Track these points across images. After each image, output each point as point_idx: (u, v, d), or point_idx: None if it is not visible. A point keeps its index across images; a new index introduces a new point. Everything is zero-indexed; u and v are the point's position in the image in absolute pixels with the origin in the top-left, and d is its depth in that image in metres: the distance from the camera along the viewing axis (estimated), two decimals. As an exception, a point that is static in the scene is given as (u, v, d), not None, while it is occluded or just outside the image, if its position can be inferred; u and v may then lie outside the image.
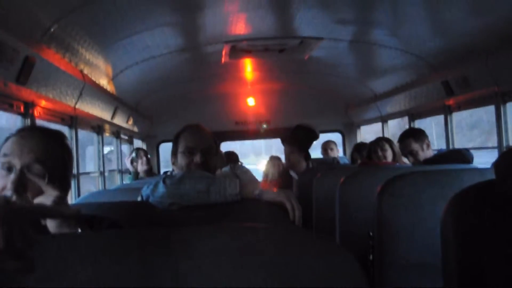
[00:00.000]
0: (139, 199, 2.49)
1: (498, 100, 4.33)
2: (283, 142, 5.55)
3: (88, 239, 1.16)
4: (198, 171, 2.52)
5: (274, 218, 2.18)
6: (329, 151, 7.22)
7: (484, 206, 1.86)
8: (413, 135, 4.38)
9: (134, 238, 1.16)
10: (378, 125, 7.63)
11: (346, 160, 6.96)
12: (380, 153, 4.84)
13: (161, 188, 2.28)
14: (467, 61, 4.47)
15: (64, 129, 4.42)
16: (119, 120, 6.02)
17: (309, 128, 5.53)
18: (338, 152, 7.39)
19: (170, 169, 2.93)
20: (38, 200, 1.54)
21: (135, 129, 7.12)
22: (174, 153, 2.79)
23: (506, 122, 4.30)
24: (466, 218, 1.92)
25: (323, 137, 7.60)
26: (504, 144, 4.27)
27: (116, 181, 6.49)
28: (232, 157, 6.26)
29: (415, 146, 4.34)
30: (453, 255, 1.96)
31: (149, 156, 6.32)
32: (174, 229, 1.17)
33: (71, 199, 4.13)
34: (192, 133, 2.76)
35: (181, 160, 2.71)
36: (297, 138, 5.39)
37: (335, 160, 6.57)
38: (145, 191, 2.40)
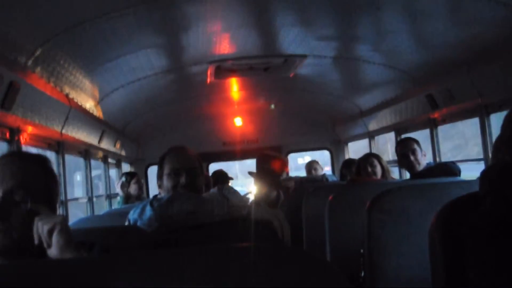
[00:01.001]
0: (126, 223, 2.47)
1: (482, 112, 4.38)
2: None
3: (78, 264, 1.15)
4: (185, 192, 2.52)
5: (263, 237, 2.17)
6: (313, 171, 7.20)
7: (470, 219, 1.87)
8: (414, 140, 4.57)
9: (121, 262, 1.15)
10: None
11: (334, 178, 6.96)
12: (369, 169, 4.87)
13: (148, 211, 2.26)
14: (450, 74, 4.52)
15: (51, 155, 4.40)
16: (107, 144, 6.00)
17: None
18: (323, 170, 7.39)
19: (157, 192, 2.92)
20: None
21: (123, 152, 7.08)
22: (160, 176, 2.79)
23: (491, 134, 4.33)
24: (453, 231, 1.92)
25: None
26: (490, 155, 4.30)
27: (104, 207, 6.44)
28: (220, 177, 6.22)
29: (417, 147, 4.46)
30: (442, 269, 1.96)
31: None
32: (162, 251, 1.16)
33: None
34: (177, 155, 2.77)
35: (167, 182, 2.70)
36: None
37: (324, 177, 6.58)
38: (132, 215, 2.38)
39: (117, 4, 3.07)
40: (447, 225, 2.00)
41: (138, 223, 2.31)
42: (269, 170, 5.32)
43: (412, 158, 4.45)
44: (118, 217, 3.06)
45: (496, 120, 4.41)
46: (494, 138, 4.16)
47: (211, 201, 2.32)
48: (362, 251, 3.10)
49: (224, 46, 4.59)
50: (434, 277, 2.05)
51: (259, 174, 5.27)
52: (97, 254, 1.72)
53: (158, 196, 2.44)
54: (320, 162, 7.39)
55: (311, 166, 7.35)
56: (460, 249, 1.87)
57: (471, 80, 4.20)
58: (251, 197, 5.52)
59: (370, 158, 5.00)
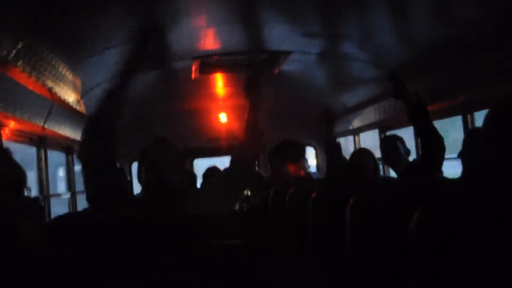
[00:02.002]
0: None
1: (465, 110, 4.41)
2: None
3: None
4: None
5: (242, 232, 2.17)
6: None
7: (452, 219, 1.88)
8: (398, 137, 4.65)
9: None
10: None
11: (319, 175, 6.96)
12: (362, 163, 4.87)
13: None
14: (434, 73, 4.55)
15: (33, 150, 4.36)
16: (90, 139, 5.94)
17: (298, 142, 5.51)
18: (309, 168, 7.38)
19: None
20: None
21: (107, 148, 7.03)
22: (140, 169, 2.75)
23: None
24: (435, 231, 1.93)
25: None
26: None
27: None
28: (209, 173, 6.22)
29: (400, 145, 4.58)
30: (424, 268, 1.97)
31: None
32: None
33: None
34: (157, 149, 2.74)
35: (145, 176, 2.68)
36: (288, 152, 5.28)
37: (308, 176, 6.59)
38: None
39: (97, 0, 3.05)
40: (429, 225, 2.01)
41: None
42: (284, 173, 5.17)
43: (395, 156, 4.48)
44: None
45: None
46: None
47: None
48: (345, 248, 3.11)
49: (209, 41, 4.58)
50: (415, 275, 2.06)
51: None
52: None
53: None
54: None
55: None
56: (442, 249, 1.88)
57: (454, 78, 4.23)
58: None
59: (363, 152, 5.01)
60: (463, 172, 2.09)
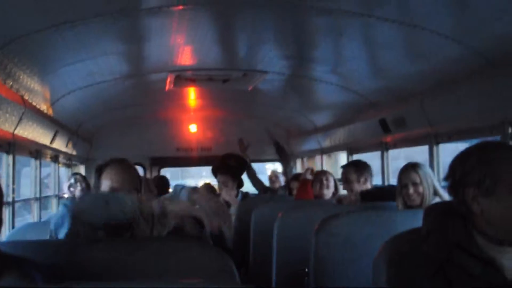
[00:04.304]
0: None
1: (431, 140, 4.53)
2: (216, 171, 5.58)
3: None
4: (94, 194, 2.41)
5: (200, 260, 2.19)
6: (271, 183, 7.38)
7: (413, 255, 1.96)
8: (356, 166, 4.56)
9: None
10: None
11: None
12: (324, 182, 4.97)
13: (63, 210, 2.16)
14: (404, 102, 4.66)
15: (1, 156, 4.32)
16: (59, 144, 5.91)
17: (240, 157, 5.68)
18: (280, 183, 7.49)
19: None
20: None
21: (75, 152, 6.99)
22: (97, 188, 2.64)
23: (438, 163, 4.49)
24: (397, 266, 2.00)
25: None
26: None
27: (53, 207, 6.34)
28: (160, 183, 6.25)
29: (353, 176, 4.49)
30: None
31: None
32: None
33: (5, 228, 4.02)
34: (117, 172, 2.62)
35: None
36: (230, 167, 5.50)
37: (279, 190, 6.73)
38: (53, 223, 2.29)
39: (83, 13, 3.06)
40: (392, 260, 2.08)
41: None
42: (237, 169, 5.47)
43: (356, 185, 4.53)
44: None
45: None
46: (441, 166, 4.34)
47: (122, 196, 2.22)
48: (307, 269, 3.17)
49: (185, 57, 4.62)
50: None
51: (228, 172, 5.38)
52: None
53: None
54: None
55: (272, 175, 7.52)
56: (401, 282, 1.96)
57: (423, 109, 4.35)
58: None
59: (326, 173, 5.12)
60: (425, 211, 2.16)
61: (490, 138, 3.83)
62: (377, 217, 3.06)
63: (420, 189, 3.59)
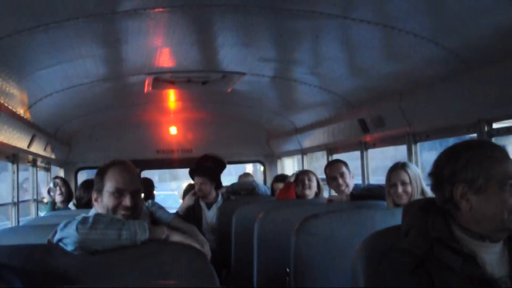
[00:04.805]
0: (55, 237, 2.40)
1: (410, 139, 4.57)
2: (192, 173, 5.59)
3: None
4: (108, 215, 2.47)
5: (179, 262, 2.19)
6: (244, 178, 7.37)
7: (392, 253, 1.97)
8: (343, 162, 4.71)
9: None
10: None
11: (266, 189, 7.04)
12: (306, 183, 5.00)
13: (73, 232, 2.21)
14: (382, 102, 4.70)
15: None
16: (37, 148, 5.85)
17: (217, 158, 5.68)
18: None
19: None
20: None
21: (53, 156, 6.93)
22: (99, 190, 2.66)
23: (417, 161, 4.53)
24: (375, 264, 2.02)
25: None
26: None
27: (31, 212, 6.27)
28: (146, 186, 6.21)
29: (346, 170, 4.63)
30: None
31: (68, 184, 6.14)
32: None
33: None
34: (122, 173, 2.66)
35: (108, 200, 2.61)
36: (206, 168, 5.50)
37: (254, 183, 6.69)
38: (60, 231, 2.32)
39: (57, 16, 3.03)
40: (370, 257, 2.10)
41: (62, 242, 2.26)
42: (214, 170, 5.48)
43: (340, 180, 4.59)
44: (42, 230, 2.93)
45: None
46: (420, 165, 4.38)
47: (133, 224, 2.29)
48: (288, 269, 3.18)
49: (164, 59, 4.60)
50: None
51: (205, 174, 5.39)
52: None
53: (85, 216, 2.36)
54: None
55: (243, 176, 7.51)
56: (380, 280, 1.97)
57: (401, 109, 4.38)
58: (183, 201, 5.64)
59: (308, 173, 5.14)
60: (404, 209, 2.19)
61: (467, 137, 3.89)
62: (358, 216, 3.08)
63: (409, 188, 3.65)
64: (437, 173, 2.01)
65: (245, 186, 6.65)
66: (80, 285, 1.93)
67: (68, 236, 2.21)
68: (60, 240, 2.27)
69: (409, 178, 3.67)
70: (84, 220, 2.26)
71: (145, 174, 8.98)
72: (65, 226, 2.29)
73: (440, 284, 1.86)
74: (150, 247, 2.22)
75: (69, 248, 2.20)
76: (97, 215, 2.32)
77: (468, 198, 1.92)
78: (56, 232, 2.36)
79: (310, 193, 5.04)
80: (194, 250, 2.24)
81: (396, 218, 2.25)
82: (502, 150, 1.95)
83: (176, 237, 2.39)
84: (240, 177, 7.48)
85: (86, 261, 2.14)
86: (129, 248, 2.21)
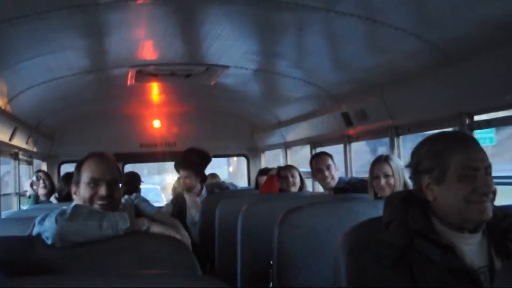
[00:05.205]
0: (34, 229, 2.39)
1: (392, 132, 4.60)
2: (177, 166, 5.58)
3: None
4: (87, 206, 2.48)
5: (161, 254, 2.20)
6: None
7: (373, 244, 1.99)
8: (329, 155, 4.74)
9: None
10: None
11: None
12: (290, 179, 5.02)
13: (52, 224, 2.21)
14: (365, 95, 4.72)
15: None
16: (18, 141, 5.80)
17: (202, 152, 5.67)
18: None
19: None
20: None
21: (36, 149, 6.87)
22: (76, 182, 2.66)
23: (399, 155, 4.56)
24: (356, 255, 2.03)
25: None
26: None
27: (13, 206, 6.21)
28: (133, 180, 6.19)
29: (331, 162, 4.65)
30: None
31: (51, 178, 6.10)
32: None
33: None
34: (97, 163, 2.66)
35: (84, 191, 2.61)
36: (191, 162, 5.49)
37: (223, 185, 6.68)
38: (37, 224, 2.32)
39: (38, 7, 3.00)
40: (351, 250, 2.11)
41: (42, 236, 2.26)
42: (198, 163, 5.48)
43: (326, 173, 4.61)
44: (24, 222, 2.91)
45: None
46: (402, 158, 4.41)
47: (114, 215, 2.30)
48: (271, 262, 3.19)
49: (147, 52, 4.58)
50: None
51: (190, 167, 5.38)
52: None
53: (63, 208, 2.35)
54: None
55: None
56: (362, 273, 1.98)
57: (384, 102, 4.41)
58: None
59: (291, 169, 5.16)
60: (385, 200, 2.21)
61: (449, 129, 3.92)
62: (340, 208, 3.10)
63: (392, 181, 3.69)
64: (410, 164, 2.08)
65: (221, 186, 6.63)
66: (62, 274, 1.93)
67: (47, 229, 2.20)
68: (39, 234, 2.26)
69: (392, 170, 3.70)
70: (63, 212, 2.25)
71: (135, 168, 8.96)
72: (43, 219, 2.28)
73: (420, 275, 1.88)
74: (131, 238, 2.22)
75: (49, 241, 2.19)
76: (76, 207, 2.31)
77: (432, 188, 1.98)
78: (34, 225, 2.36)
79: (295, 189, 5.07)
80: (176, 241, 2.25)
81: (378, 210, 2.26)
82: (464, 141, 1.98)
83: (157, 228, 2.40)
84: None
85: (67, 253, 2.13)
86: (110, 240, 2.21)
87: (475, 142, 1.99)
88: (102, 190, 2.58)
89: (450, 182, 1.92)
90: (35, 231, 2.33)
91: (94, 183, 2.60)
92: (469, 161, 1.91)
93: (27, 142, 6.21)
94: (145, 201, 3.79)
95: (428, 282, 1.86)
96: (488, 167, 1.92)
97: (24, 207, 5.99)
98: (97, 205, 2.59)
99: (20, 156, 6.36)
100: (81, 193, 2.63)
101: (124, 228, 2.27)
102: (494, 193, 1.92)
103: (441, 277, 1.86)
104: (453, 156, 1.92)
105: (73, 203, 2.71)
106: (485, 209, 1.89)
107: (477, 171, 1.90)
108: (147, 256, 2.10)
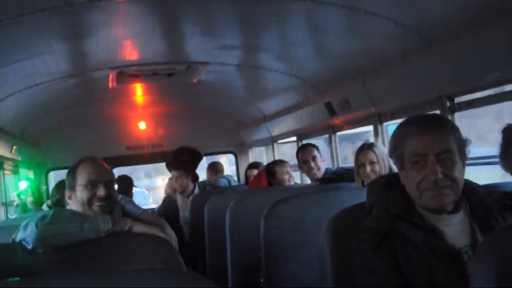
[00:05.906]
0: (18, 236, 2.38)
1: (376, 120, 4.61)
2: (169, 167, 5.56)
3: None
4: (68, 210, 2.48)
5: (145, 252, 2.19)
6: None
7: (356, 230, 1.99)
8: (315, 146, 4.74)
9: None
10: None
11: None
12: (282, 176, 5.01)
13: (33, 229, 2.20)
14: (347, 84, 4.72)
15: None
16: (2, 150, 5.74)
17: (193, 150, 5.64)
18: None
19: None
20: None
21: (20, 158, 6.81)
22: (72, 187, 2.69)
23: (384, 140, 4.56)
24: (340, 242, 2.03)
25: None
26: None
27: (0, 215, 6.16)
28: (124, 183, 6.16)
29: (317, 153, 4.68)
30: (329, 277, 2.07)
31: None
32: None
33: None
34: (93, 166, 2.70)
35: (82, 193, 2.62)
36: (182, 161, 5.47)
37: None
38: (20, 231, 2.31)
39: (10, 12, 2.96)
40: (335, 236, 2.11)
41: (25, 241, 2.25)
42: (189, 162, 5.45)
43: (313, 164, 4.62)
44: (12, 229, 2.90)
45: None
46: (386, 145, 4.42)
47: (95, 217, 2.30)
48: (260, 256, 3.18)
49: (126, 52, 4.54)
50: (322, 284, 2.16)
51: (181, 167, 5.35)
52: None
53: (44, 214, 2.34)
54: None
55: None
56: (346, 258, 1.98)
57: (366, 90, 4.41)
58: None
59: (283, 164, 5.14)
60: (368, 186, 2.21)
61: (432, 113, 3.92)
62: (326, 198, 3.09)
63: (377, 167, 3.72)
64: (389, 148, 2.13)
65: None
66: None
67: (28, 235, 2.20)
68: (23, 240, 2.25)
69: (377, 157, 3.73)
70: (44, 216, 2.25)
71: (131, 169, 8.91)
72: (27, 225, 2.28)
73: (404, 258, 1.88)
74: (115, 239, 2.21)
75: (30, 246, 2.18)
76: (56, 210, 2.31)
77: (401, 173, 2.02)
78: (18, 231, 2.35)
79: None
80: (159, 239, 2.24)
81: (363, 197, 2.26)
82: (422, 125, 1.95)
83: (139, 228, 2.40)
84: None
85: (50, 257, 2.12)
86: (93, 242, 2.20)
87: (437, 126, 1.95)
88: (101, 191, 2.60)
89: (407, 168, 1.96)
90: (18, 237, 2.32)
91: (92, 184, 2.62)
92: (418, 147, 1.91)
93: (11, 151, 6.15)
94: (131, 202, 3.79)
95: (412, 265, 1.86)
96: (442, 153, 1.89)
97: (11, 216, 5.94)
98: (96, 206, 2.61)
99: (5, 166, 6.30)
100: (78, 196, 2.64)
101: (106, 229, 2.27)
102: (454, 180, 1.89)
103: (425, 259, 1.86)
104: (407, 142, 1.94)
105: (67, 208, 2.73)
106: (438, 197, 1.89)
107: (427, 157, 1.89)
108: (130, 255, 2.09)
